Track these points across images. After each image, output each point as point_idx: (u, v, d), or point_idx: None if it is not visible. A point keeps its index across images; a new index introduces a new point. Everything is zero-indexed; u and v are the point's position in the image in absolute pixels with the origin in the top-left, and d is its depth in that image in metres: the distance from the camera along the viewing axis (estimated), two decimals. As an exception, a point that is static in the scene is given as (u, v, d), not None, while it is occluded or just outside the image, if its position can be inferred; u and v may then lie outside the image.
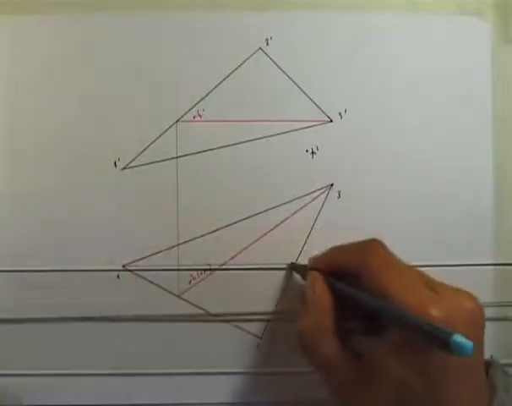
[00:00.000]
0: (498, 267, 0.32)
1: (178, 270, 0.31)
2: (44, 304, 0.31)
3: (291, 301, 0.32)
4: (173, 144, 0.31)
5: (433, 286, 0.25)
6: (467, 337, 0.21)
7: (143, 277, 0.31)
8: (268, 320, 0.32)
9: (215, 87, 0.31)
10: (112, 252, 0.31)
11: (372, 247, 0.27)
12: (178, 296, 0.32)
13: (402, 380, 0.23)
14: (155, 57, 0.31)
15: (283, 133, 0.32)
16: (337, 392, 0.26)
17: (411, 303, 0.23)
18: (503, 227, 0.32)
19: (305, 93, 0.32)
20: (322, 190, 0.32)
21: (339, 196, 0.32)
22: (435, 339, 0.22)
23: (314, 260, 0.30)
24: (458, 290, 0.25)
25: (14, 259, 0.31)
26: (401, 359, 0.23)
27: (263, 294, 0.32)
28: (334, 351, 0.26)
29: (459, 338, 0.21)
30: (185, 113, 0.31)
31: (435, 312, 0.23)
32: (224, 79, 0.31)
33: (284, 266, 0.32)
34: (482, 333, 0.24)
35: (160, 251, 0.31)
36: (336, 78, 0.32)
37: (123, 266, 0.31)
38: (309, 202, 0.32)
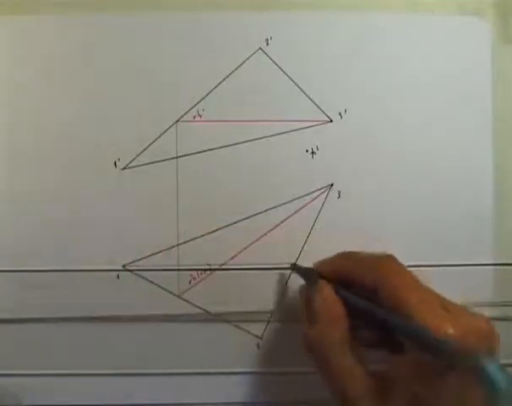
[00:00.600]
0: (498, 267, 0.32)
1: (178, 270, 0.31)
2: (44, 304, 0.31)
3: (290, 300, 0.32)
4: (173, 144, 0.31)
5: (445, 305, 0.25)
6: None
7: (143, 277, 0.31)
8: (268, 320, 0.32)
9: (215, 87, 0.31)
10: (112, 252, 0.31)
11: (389, 263, 0.27)
12: (178, 296, 0.32)
13: (417, 394, 0.23)
14: (155, 57, 0.31)
15: (283, 133, 0.32)
16: (347, 403, 0.26)
17: (429, 321, 0.23)
18: (503, 227, 0.32)
19: (305, 93, 0.32)
20: (322, 190, 0.32)
21: (339, 196, 0.32)
22: (463, 365, 0.21)
23: (321, 264, 0.30)
24: (471, 311, 0.25)
25: (14, 259, 0.31)
26: (417, 376, 0.23)
27: (263, 294, 0.32)
28: (346, 362, 0.26)
29: (492, 368, 0.20)
30: (185, 113, 0.31)
31: (452, 331, 0.23)
32: (224, 79, 0.31)
33: (284, 266, 0.32)
34: (495, 354, 0.24)
35: (160, 251, 0.31)
36: (336, 78, 0.32)
37: (123, 266, 0.31)
38: (309, 202, 0.32)
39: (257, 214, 0.32)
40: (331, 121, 0.32)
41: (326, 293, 0.27)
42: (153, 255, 0.31)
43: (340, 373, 0.26)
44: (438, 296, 0.26)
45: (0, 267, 0.31)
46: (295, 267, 0.31)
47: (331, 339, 0.26)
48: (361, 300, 0.26)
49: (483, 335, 0.24)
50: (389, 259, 0.27)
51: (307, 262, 0.31)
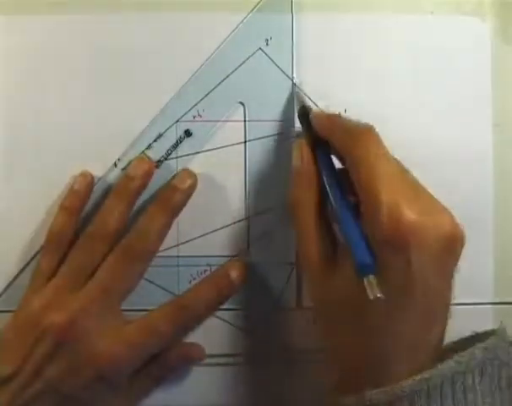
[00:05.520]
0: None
1: (178, 270, 0.31)
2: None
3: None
4: (174, 144, 0.31)
5: (416, 188, 0.24)
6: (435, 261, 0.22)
7: (143, 277, 0.31)
8: (268, 320, 0.32)
9: (215, 87, 0.31)
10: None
11: (364, 134, 0.25)
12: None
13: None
14: (155, 56, 0.31)
15: (283, 133, 0.32)
16: (307, 268, 0.26)
17: (384, 195, 0.22)
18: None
19: (305, 93, 0.32)
20: (322, 190, 0.32)
21: (339, 196, 0.32)
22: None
23: (318, 116, 0.29)
24: (443, 208, 0.24)
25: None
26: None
27: (263, 294, 0.32)
28: (311, 224, 0.26)
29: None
30: (185, 113, 0.31)
31: (409, 214, 0.22)
32: (224, 79, 0.31)
33: (283, 265, 0.32)
34: (454, 263, 0.24)
35: (160, 251, 0.31)
36: (336, 78, 0.32)
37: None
38: (309, 202, 0.32)
39: (257, 214, 0.32)
40: (331, 121, 0.32)
41: (304, 152, 0.27)
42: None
43: (303, 233, 0.26)
44: (409, 178, 0.25)
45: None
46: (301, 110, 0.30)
47: (301, 198, 0.27)
48: (329, 170, 0.26)
49: (443, 234, 0.23)
50: (367, 130, 0.25)
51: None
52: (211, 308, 0.30)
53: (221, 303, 0.30)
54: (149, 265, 0.30)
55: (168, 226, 0.30)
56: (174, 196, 0.30)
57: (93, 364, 0.28)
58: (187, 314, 0.30)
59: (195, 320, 0.31)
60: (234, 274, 0.30)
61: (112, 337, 0.28)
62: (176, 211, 0.30)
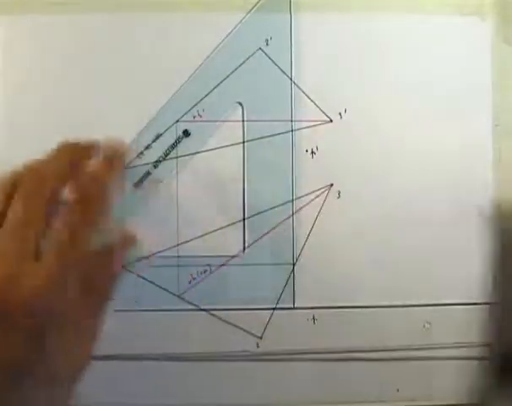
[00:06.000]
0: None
1: (178, 270, 0.32)
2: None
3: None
4: (172, 144, 0.31)
5: None
6: None
7: (143, 277, 0.31)
8: (268, 320, 0.32)
9: (215, 87, 0.31)
10: (112, 252, 0.31)
11: None
12: (178, 296, 0.32)
13: None
14: (155, 56, 0.31)
15: (283, 133, 0.32)
16: None
17: None
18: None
19: (305, 93, 0.32)
20: (322, 190, 0.32)
21: (339, 196, 0.32)
22: None
23: None
24: None
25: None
26: None
27: (263, 294, 0.32)
28: None
29: None
30: (185, 113, 0.31)
31: None
32: (224, 79, 0.31)
33: (283, 265, 0.32)
34: None
35: (160, 251, 0.31)
36: (336, 78, 0.32)
37: (124, 266, 0.31)
38: (309, 202, 0.32)
39: (257, 214, 0.32)
40: (331, 121, 0.32)
41: None
42: (153, 254, 0.31)
43: None
44: None
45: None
46: None
47: None
48: None
49: None
50: None
51: (307, 260, 0.31)
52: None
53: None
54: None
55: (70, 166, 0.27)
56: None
57: (22, 307, 0.26)
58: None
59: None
60: None
61: (31, 276, 0.27)
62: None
